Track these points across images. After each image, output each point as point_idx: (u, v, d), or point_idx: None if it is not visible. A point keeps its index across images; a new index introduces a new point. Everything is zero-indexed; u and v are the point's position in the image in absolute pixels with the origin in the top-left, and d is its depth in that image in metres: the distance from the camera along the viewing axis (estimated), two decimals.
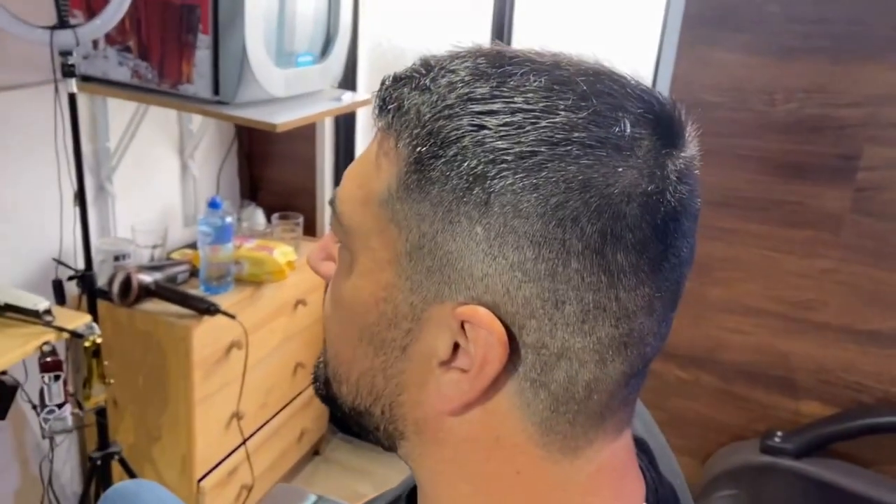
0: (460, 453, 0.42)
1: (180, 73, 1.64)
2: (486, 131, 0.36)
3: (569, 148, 0.36)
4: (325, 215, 2.32)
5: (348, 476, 2.40)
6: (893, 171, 1.62)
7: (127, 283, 1.69)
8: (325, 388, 0.48)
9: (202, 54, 1.60)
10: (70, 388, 1.44)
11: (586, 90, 0.37)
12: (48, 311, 1.40)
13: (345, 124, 2.27)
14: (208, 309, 1.71)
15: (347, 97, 1.94)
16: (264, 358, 1.97)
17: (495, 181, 0.36)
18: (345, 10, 1.89)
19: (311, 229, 2.27)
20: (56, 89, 1.45)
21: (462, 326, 0.38)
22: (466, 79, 0.38)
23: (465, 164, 0.36)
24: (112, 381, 1.53)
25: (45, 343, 1.35)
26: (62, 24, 1.40)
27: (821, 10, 1.60)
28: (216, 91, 1.63)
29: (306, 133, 2.18)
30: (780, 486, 1.70)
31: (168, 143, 2.06)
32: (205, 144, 2.16)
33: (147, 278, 1.72)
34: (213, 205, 1.82)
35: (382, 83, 0.42)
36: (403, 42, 2.18)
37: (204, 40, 1.59)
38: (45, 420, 1.39)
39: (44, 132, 1.54)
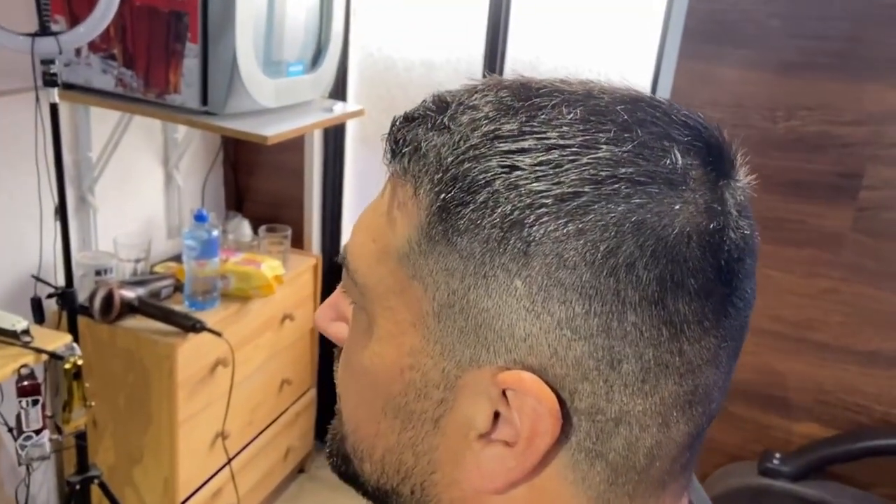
0: None
1: (167, 82, 1.58)
2: (519, 171, 0.32)
3: (616, 186, 0.31)
4: (313, 227, 2.26)
5: (334, 494, 2.34)
6: (895, 190, 1.60)
7: (109, 299, 1.62)
8: (344, 465, 0.43)
9: (190, 63, 1.55)
10: (48, 412, 1.37)
11: (627, 119, 0.33)
12: (26, 332, 1.33)
13: (334, 133, 2.22)
14: (193, 326, 1.64)
15: (339, 108, 1.89)
16: (250, 375, 1.91)
17: (534, 228, 0.32)
18: (336, 19, 1.84)
19: (299, 242, 2.21)
20: (37, 98, 1.39)
21: (504, 394, 0.34)
22: (491, 115, 0.34)
23: (499, 210, 0.32)
24: (93, 403, 1.46)
25: (24, 366, 1.28)
26: (44, 31, 1.33)
27: (823, 26, 1.58)
28: (205, 101, 1.57)
29: (294, 143, 2.12)
30: None
31: (152, 153, 2.00)
32: (190, 154, 2.10)
33: (130, 294, 1.66)
34: (199, 218, 1.76)
35: (393, 124, 0.37)
36: (394, 52, 2.14)
37: (192, 49, 1.54)
38: (22, 447, 1.32)
39: (23, 142, 1.48)
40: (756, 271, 0.36)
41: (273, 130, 1.61)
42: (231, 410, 1.81)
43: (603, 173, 0.32)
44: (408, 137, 0.36)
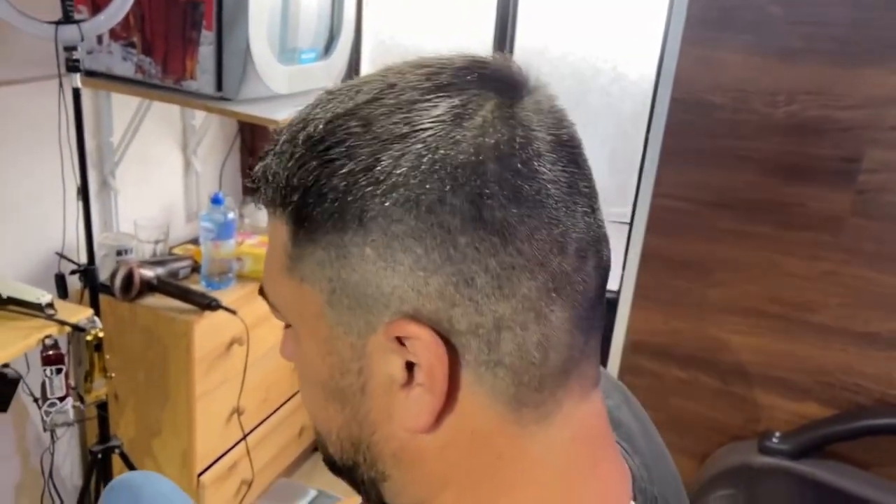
0: (442, 463, 0.42)
1: (184, 68, 1.64)
2: (335, 162, 0.38)
3: (406, 142, 0.37)
4: None
5: None
6: (894, 173, 1.62)
7: (129, 277, 1.69)
8: (327, 458, 0.48)
9: (206, 50, 1.61)
10: (71, 382, 1.45)
11: (416, 86, 0.39)
12: (50, 305, 1.40)
13: None
14: (210, 304, 1.71)
15: None
16: (265, 354, 1.97)
17: (359, 201, 0.37)
18: (348, 7, 1.89)
19: None
20: (60, 84, 1.45)
21: (402, 343, 0.39)
22: (304, 127, 0.40)
23: (329, 198, 0.38)
24: (113, 374, 1.53)
25: (48, 336, 1.36)
26: (67, 19, 1.40)
27: (823, 12, 1.60)
28: (219, 87, 1.63)
29: None
30: (777, 486, 1.71)
31: (171, 138, 2.07)
32: (208, 140, 2.17)
33: (149, 273, 1.73)
34: (215, 201, 1.82)
35: (251, 169, 0.44)
36: (406, 39, 2.18)
37: (207, 36, 1.60)
38: (47, 413, 1.40)
39: (48, 127, 1.55)
40: (577, 159, 0.40)
41: (285, 115, 1.66)
42: (246, 388, 1.87)
43: (391, 134, 0.37)
44: (259, 174, 0.42)
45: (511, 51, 2.04)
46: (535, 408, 0.40)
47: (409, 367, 0.39)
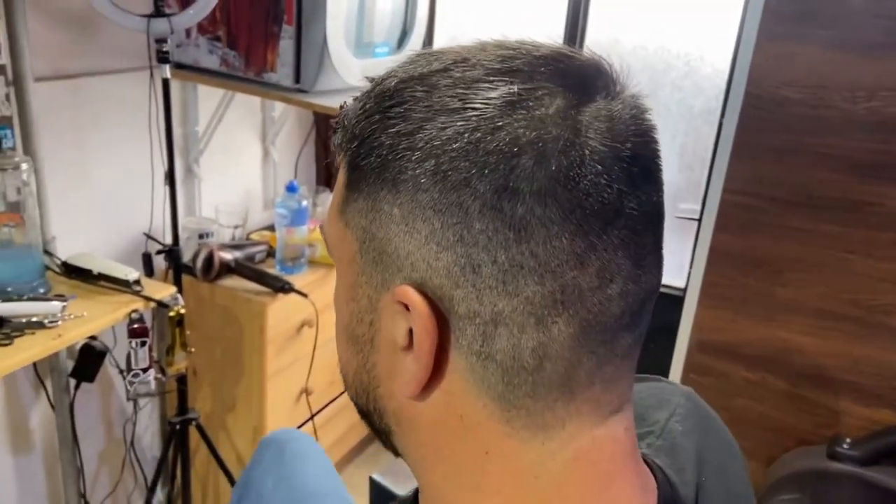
0: (433, 436, 0.42)
1: (265, 61, 1.72)
2: (390, 120, 0.39)
3: (452, 117, 0.36)
4: None
5: None
6: None
7: (209, 259, 1.79)
8: (353, 401, 0.49)
9: (286, 44, 1.68)
10: (154, 355, 1.54)
11: (483, 62, 0.38)
12: (137, 282, 1.50)
13: None
14: (283, 287, 1.79)
15: None
16: (334, 337, 2.04)
17: (398, 162, 0.38)
18: (421, 2, 1.94)
19: None
20: (151, 75, 1.55)
21: (407, 309, 0.39)
22: (383, 81, 0.41)
23: (375, 153, 0.39)
24: (193, 349, 1.62)
25: (134, 310, 1.45)
26: (158, 12, 1.49)
27: None
28: (297, 79, 1.71)
29: None
30: (845, 493, 1.66)
31: (251, 129, 2.16)
32: (285, 131, 2.25)
33: (228, 256, 1.82)
34: (290, 188, 1.90)
35: (326, 159, 0.46)
36: (478, 35, 2.21)
37: (288, 30, 1.67)
38: (131, 383, 1.50)
39: (139, 115, 1.65)
40: (638, 181, 0.37)
41: None
42: (315, 369, 1.95)
43: (442, 109, 0.37)
44: (341, 115, 0.44)
45: (581, 44, 2.05)
46: (527, 415, 0.39)
47: (411, 333, 0.40)
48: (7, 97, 1.46)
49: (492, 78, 0.37)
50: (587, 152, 0.36)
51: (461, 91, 0.37)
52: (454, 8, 2.22)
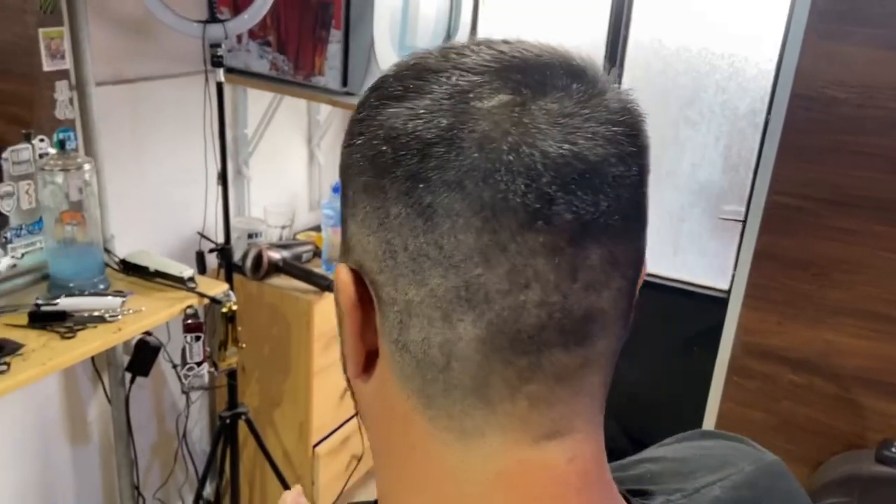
0: (376, 427, 0.42)
1: (313, 65, 1.76)
2: (359, 113, 0.39)
3: (399, 105, 0.36)
4: None
5: None
6: None
7: (258, 258, 1.84)
8: None
9: (333, 48, 1.72)
10: (207, 350, 1.59)
11: (446, 55, 0.37)
12: (192, 279, 1.55)
13: None
14: (329, 286, 1.83)
15: None
16: None
17: (351, 147, 0.38)
18: (465, 10, 1.97)
19: None
20: (206, 79, 1.60)
21: None
22: (377, 81, 0.41)
23: (349, 134, 0.40)
24: (244, 344, 1.67)
25: (189, 306, 1.50)
26: (213, 18, 1.55)
27: None
28: (345, 82, 1.75)
29: None
30: (894, 497, 1.64)
31: (298, 132, 2.22)
32: (331, 134, 2.30)
33: (276, 255, 1.87)
34: (336, 190, 1.94)
35: None
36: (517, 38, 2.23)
37: (336, 35, 1.71)
38: (186, 376, 1.55)
39: (192, 118, 1.71)
40: (575, 184, 0.33)
41: None
42: None
43: (395, 98, 0.36)
44: None
45: (624, 47, 2.06)
46: (448, 417, 0.37)
47: None
48: (71, 101, 1.53)
49: (448, 71, 0.36)
50: (511, 149, 0.33)
51: (411, 82, 0.36)
52: (497, 11, 2.25)
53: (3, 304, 1.43)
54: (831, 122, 1.70)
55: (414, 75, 0.36)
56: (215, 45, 1.55)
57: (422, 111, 0.35)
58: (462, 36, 2.02)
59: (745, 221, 1.89)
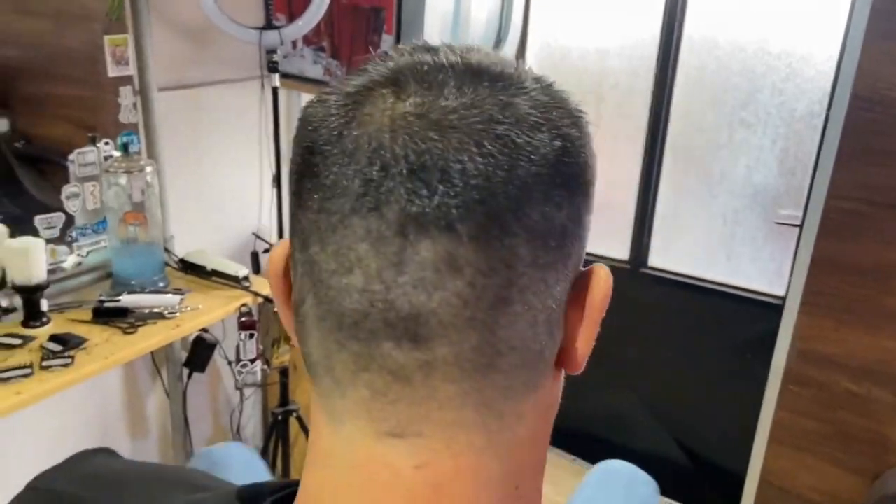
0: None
1: None
2: None
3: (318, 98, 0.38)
4: None
5: None
6: None
7: None
8: None
9: None
10: (260, 348, 1.63)
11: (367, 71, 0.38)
12: (246, 278, 1.59)
13: None
14: None
15: None
16: None
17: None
18: (516, 12, 1.97)
19: None
20: (262, 84, 1.65)
21: None
22: None
23: None
24: (295, 343, 1.70)
25: (244, 304, 1.54)
26: (269, 25, 1.59)
27: None
28: None
29: None
30: None
31: None
32: None
33: None
34: None
35: None
36: (570, 41, 2.23)
37: (387, 40, 1.74)
38: (240, 373, 1.59)
39: (249, 122, 1.76)
40: (398, 181, 0.33)
41: None
42: None
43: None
44: None
45: (677, 47, 2.03)
46: (320, 394, 0.37)
47: None
48: (134, 105, 1.59)
49: (369, 71, 0.36)
50: (356, 138, 0.34)
51: (338, 83, 0.37)
52: (549, 16, 2.25)
53: (68, 300, 1.50)
54: (893, 124, 1.65)
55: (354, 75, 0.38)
56: (271, 51, 1.60)
57: (317, 105, 0.36)
58: (513, 38, 2.03)
59: (801, 226, 1.84)
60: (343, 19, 1.78)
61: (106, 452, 0.53)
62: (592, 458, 2.52)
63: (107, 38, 1.52)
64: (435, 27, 1.74)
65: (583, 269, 0.38)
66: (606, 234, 2.35)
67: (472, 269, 0.32)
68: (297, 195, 0.36)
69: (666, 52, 2.05)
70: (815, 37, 1.88)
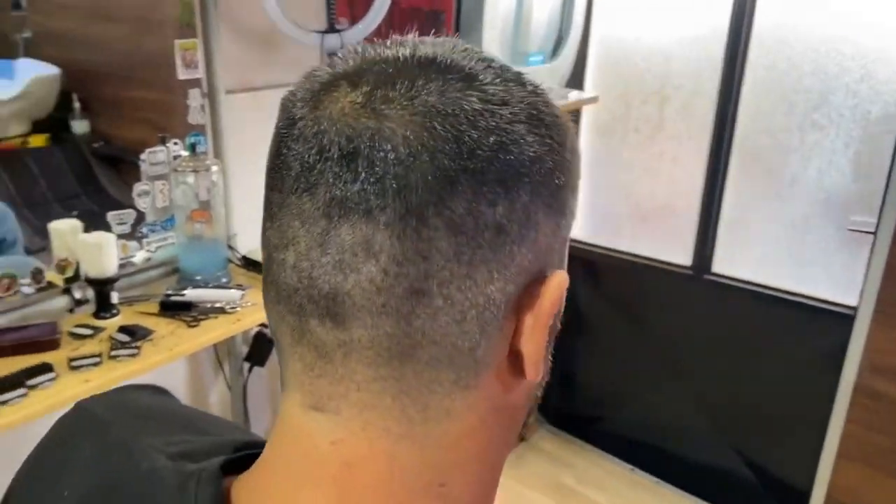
0: None
1: None
2: None
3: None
4: None
5: (552, 466, 2.46)
6: None
7: None
8: None
9: None
10: None
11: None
12: None
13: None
14: None
15: (573, 95, 2.00)
16: None
17: None
18: (577, 11, 1.96)
19: None
20: None
21: None
22: None
23: None
24: None
25: None
26: (331, 29, 1.62)
27: None
28: None
29: None
30: None
31: None
32: None
33: None
34: None
35: None
36: (634, 41, 2.19)
37: None
38: None
39: None
40: (313, 170, 0.34)
41: None
42: None
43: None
44: None
45: (746, 46, 1.98)
46: (280, 359, 0.39)
47: None
48: (202, 107, 1.65)
49: (338, 63, 0.38)
50: (307, 123, 0.35)
51: (313, 73, 0.39)
52: (610, 14, 2.22)
53: (137, 293, 1.57)
54: None
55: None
56: (332, 54, 1.63)
57: (291, 93, 0.38)
58: (574, 38, 2.01)
59: (875, 233, 1.77)
60: (403, 22, 1.80)
61: (152, 389, 0.57)
62: (651, 468, 2.48)
63: (177, 42, 1.58)
64: (495, 28, 1.74)
65: (548, 274, 0.37)
66: (668, 239, 2.30)
67: (387, 256, 0.33)
68: (266, 174, 0.38)
69: (734, 50, 2.00)
70: (891, 38, 1.80)
